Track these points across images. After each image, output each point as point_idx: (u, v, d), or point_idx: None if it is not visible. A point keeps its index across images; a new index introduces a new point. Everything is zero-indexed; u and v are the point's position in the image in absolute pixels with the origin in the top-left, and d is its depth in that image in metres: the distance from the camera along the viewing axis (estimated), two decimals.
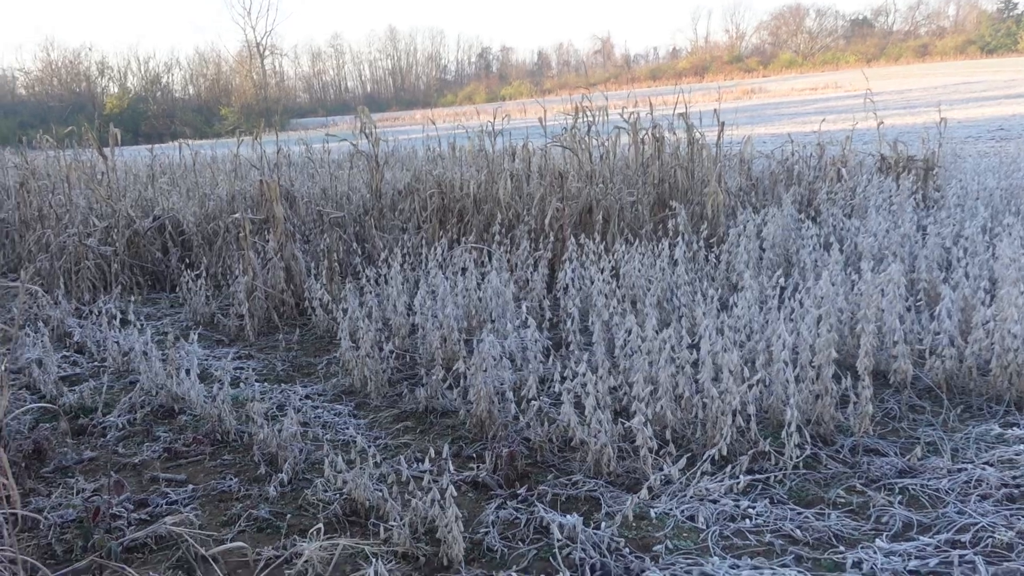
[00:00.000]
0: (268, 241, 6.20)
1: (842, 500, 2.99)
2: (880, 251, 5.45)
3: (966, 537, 2.66)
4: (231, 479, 3.47)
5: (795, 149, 8.80)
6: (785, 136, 10.30)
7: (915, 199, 6.83)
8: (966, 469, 3.10)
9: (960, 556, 2.55)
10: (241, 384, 4.59)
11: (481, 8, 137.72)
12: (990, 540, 2.63)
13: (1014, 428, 3.40)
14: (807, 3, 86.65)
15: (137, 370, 4.57)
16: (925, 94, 32.99)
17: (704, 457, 3.15)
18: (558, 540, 2.76)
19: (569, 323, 4.60)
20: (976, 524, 2.71)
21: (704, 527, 2.83)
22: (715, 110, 7.66)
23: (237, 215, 6.45)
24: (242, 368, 4.94)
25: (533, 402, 3.66)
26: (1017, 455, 3.16)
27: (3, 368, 2.52)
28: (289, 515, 3.13)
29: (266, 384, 4.66)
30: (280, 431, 3.61)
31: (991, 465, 3.12)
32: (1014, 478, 3.00)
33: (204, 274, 6.32)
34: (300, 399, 4.31)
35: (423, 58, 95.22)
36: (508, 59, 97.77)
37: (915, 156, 8.10)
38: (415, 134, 15.73)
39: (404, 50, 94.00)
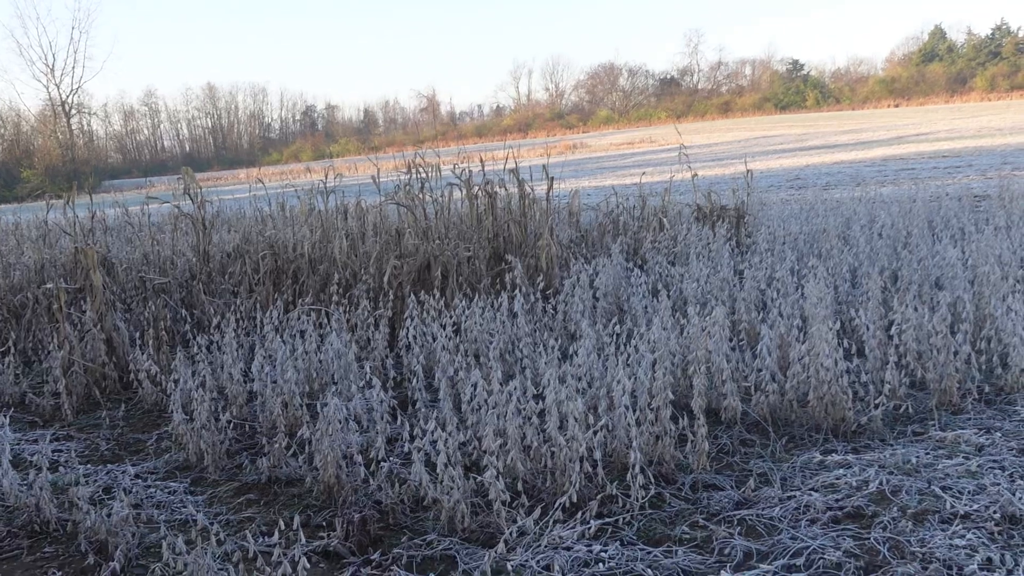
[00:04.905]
0: (85, 312, 5.80)
1: (687, 536, 3.12)
2: (703, 295, 5.79)
3: (800, 561, 2.83)
4: (54, 573, 3.18)
5: (619, 201, 9.26)
6: (609, 189, 10.80)
7: (730, 245, 7.33)
8: (795, 496, 3.31)
9: None
10: (61, 468, 4.24)
11: (304, 65, 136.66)
12: (821, 561, 2.82)
13: (832, 454, 3.68)
14: (620, 63, 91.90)
15: None
16: (730, 147, 35.65)
17: (556, 505, 3.19)
18: None
19: (414, 381, 4.58)
20: (808, 548, 2.90)
21: (560, 575, 2.87)
22: (544, 165, 7.95)
23: (50, 285, 6.01)
24: (61, 451, 4.56)
25: (383, 464, 3.60)
26: (837, 479, 3.42)
27: None
28: None
29: (90, 466, 4.32)
30: (109, 515, 3.35)
31: (816, 491, 3.35)
32: (836, 501, 3.24)
33: (12, 350, 5.83)
34: (130, 479, 4.03)
35: (245, 116, 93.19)
36: (334, 117, 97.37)
37: (727, 205, 8.72)
38: (240, 194, 15.25)
39: (224, 108, 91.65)
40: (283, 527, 2.91)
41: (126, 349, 5.79)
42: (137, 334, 5.73)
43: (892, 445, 3.74)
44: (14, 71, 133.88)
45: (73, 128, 72.29)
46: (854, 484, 3.36)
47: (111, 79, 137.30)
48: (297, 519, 2.79)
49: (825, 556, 2.83)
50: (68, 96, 71.67)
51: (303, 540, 2.79)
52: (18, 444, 4.65)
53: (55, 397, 5.29)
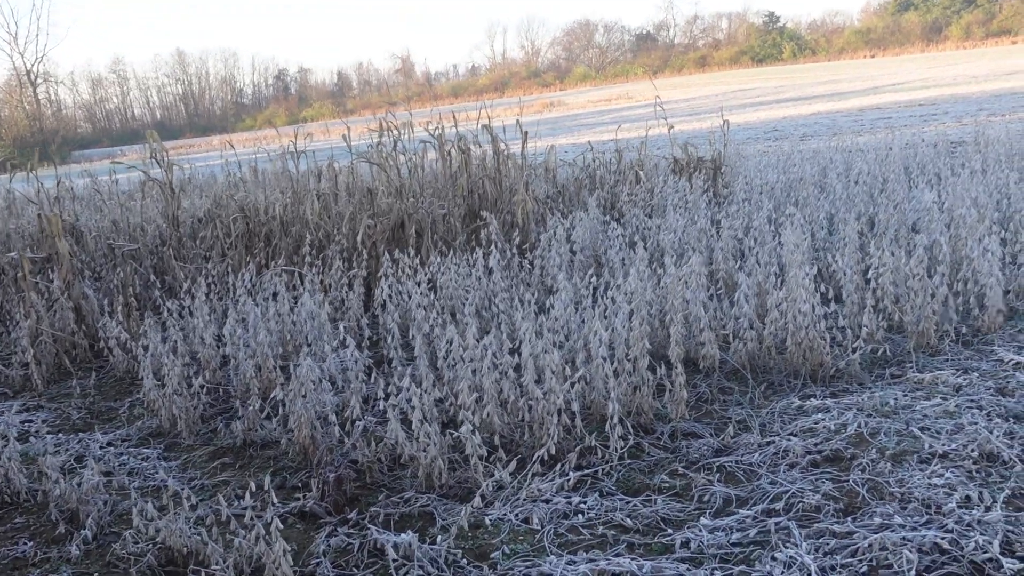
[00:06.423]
0: (53, 281, 5.68)
1: (666, 484, 3.10)
2: (680, 246, 5.74)
3: (779, 505, 2.82)
4: (25, 543, 3.12)
5: (596, 156, 9.15)
6: (585, 145, 10.69)
7: (707, 196, 7.27)
8: (774, 442, 3.30)
9: (776, 523, 2.70)
10: (31, 439, 4.16)
11: (275, 28, 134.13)
12: (800, 505, 2.80)
13: (811, 399, 3.66)
14: (595, 19, 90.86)
15: None
16: (708, 101, 35.42)
17: (534, 458, 3.16)
18: (394, 560, 2.67)
19: (389, 339, 4.52)
20: (787, 492, 2.88)
21: (539, 527, 2.84)
22: (517, 121, 7.83)
23: (14, 254, 5.87)
24: (31, 421, 4.48)
25: (358, 422, 3.55)
26: (816, 424, 3.40)
27: None
28: (96, 574, 2.86)
29: (60, 435, 4.24)
30: (79, 484, 3.29)
31: (795, 436, 3.34)
32: (815, 445, 3.23)
33: None
34: (101, 447, 3.96)
35: (216, 82, 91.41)
36: (307, 80, 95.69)
37: (704, 157, 8.64)
38: (214, 160, 14.98)
39: (195, 74, 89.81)
40: (255, 490, 2.85)
41: (96, 317, 5.68)
42: (106, 302, 5.62)
43: (870, 388, 3.73)
44: None
45: (40, 98, 70.82)
46: (832, 428, 3.34)
47: (77, 47, 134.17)
48: (268, 479, 2.73)
49: (804, 499, 2.82)
50: (33, 65, 70.11)
51: (275, 501, 2.74)
52: None
53: (24, 368, 5.20)
